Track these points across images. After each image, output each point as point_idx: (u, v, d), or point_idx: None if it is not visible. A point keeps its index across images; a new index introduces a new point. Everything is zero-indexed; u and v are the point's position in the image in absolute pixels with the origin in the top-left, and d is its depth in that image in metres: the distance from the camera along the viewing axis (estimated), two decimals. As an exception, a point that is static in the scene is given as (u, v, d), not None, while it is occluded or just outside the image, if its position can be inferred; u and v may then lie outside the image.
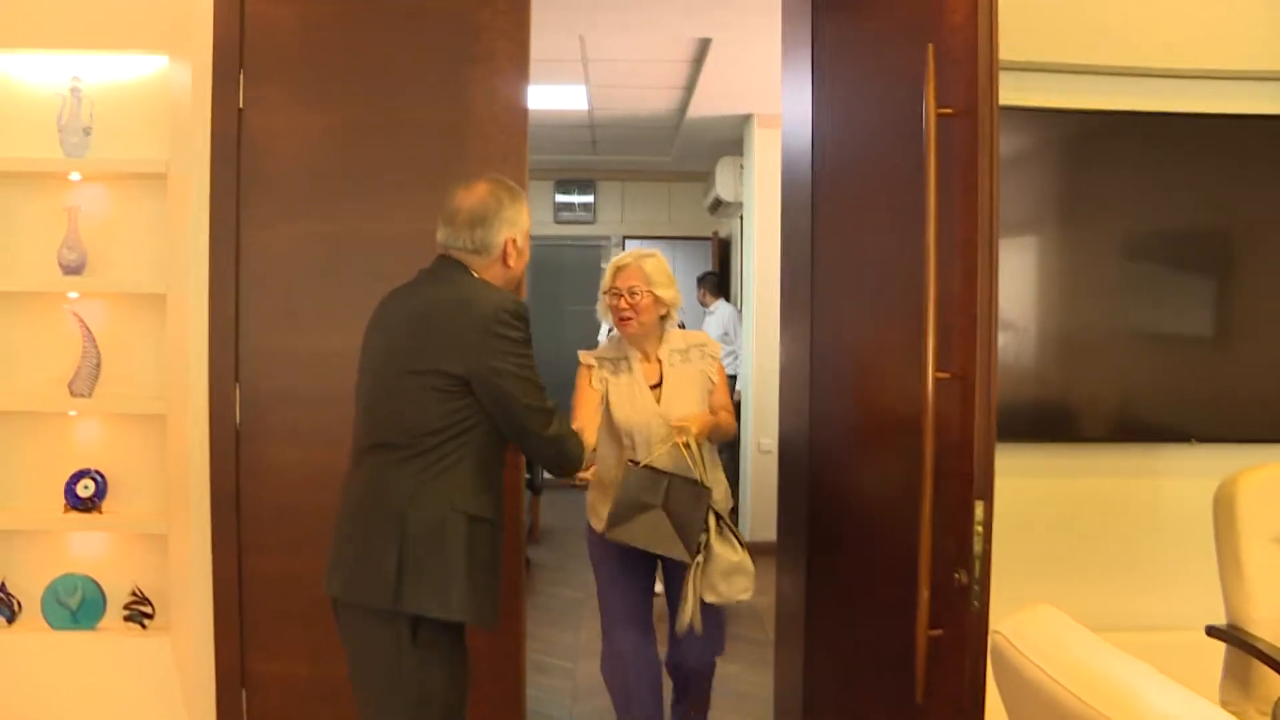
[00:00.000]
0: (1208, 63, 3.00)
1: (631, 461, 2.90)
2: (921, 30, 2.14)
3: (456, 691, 2.26)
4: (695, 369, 3.06)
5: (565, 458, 2.36)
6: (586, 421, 2.74)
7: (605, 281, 3.08)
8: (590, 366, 3.06)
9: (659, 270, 3.03)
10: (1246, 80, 3.04)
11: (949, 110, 2.03)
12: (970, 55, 1.97)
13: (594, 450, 2.78)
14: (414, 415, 2.22)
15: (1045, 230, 3.02)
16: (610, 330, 5.73)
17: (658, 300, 3.01)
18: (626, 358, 3.06)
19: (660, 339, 3.09)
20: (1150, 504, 3.06)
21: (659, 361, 3.07)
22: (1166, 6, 2.99)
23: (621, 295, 3.01)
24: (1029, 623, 1.32)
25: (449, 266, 2.31)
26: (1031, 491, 2.96)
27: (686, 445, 2.83)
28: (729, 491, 3.12)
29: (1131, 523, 3.05)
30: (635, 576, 3.04)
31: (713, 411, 3.04)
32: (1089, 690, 1.08)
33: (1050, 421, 3.03)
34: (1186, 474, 3.01)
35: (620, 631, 3.03)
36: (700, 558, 2.78)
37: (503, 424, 2.25)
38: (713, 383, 3.08)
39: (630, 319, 3.00)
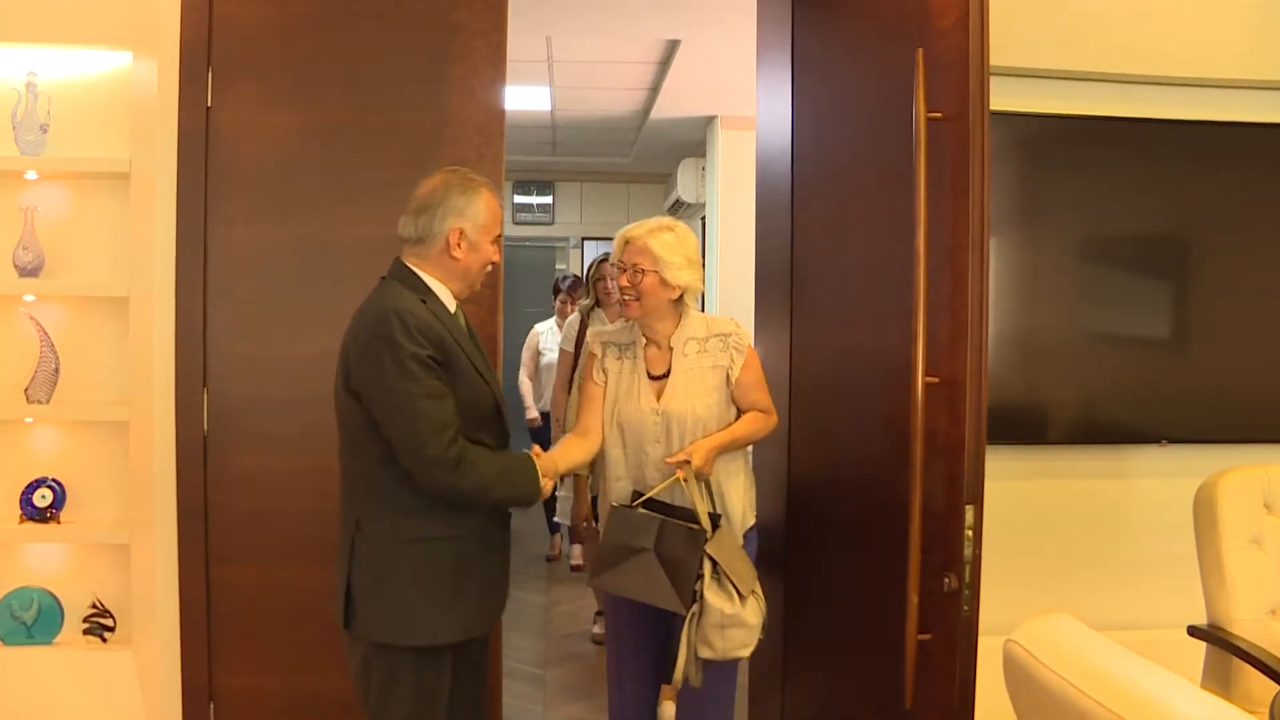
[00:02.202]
0: (1166, 69, 3.04)
1: (637, 495, 2.55)
2: (909, 34, 2.14)
3: (428, 712, 2.18)
4: (711, 364, 2.60)
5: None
6: (589, 426, 2.60)
7: (613, 253, 2.67)
8: (594, 356, 2.70)
9: (670, 249, 2.55)
10: (1205, 87, 3.09)
11: (938, 114, 2.03)
12: (961, 59, 1.98)
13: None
14: (347, 436, 2.20)
15: (1005, 233, 3.02)
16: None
17: (665, 283, 2.55)
18: (634, 343, 2.66)
19: (677, 323, 2.63)
20: (1123, 505, 3.10)
21: (670, 350, 2.62)
22: (1125, 12, 3.02)
23: (625, 271, 2.58)
24: (1045, 631, 1.31)
25: (394, 267, 2.24)
26: (1005, 494, 2.97)
27: (687, 481, 2.46)
28: (752, 505, 2.72)
29: (1105, 524, 3.09)
30: (645, 624, 2.66)
31: (741, 410, 2.63)
32: (1116, 699, 1.07)
33: (1018, 424, 3.05)
34: (1159, 475, 3.06)
35: (627, 690, 2.72)
36: (696, 608, 2.43)
37: None
38: (732, 379, 2.60)
39: (630, 302, 2.57)
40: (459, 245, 2.19)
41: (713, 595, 2.42)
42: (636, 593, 2.46)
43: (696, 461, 2.46)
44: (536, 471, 2.27)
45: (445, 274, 2.22)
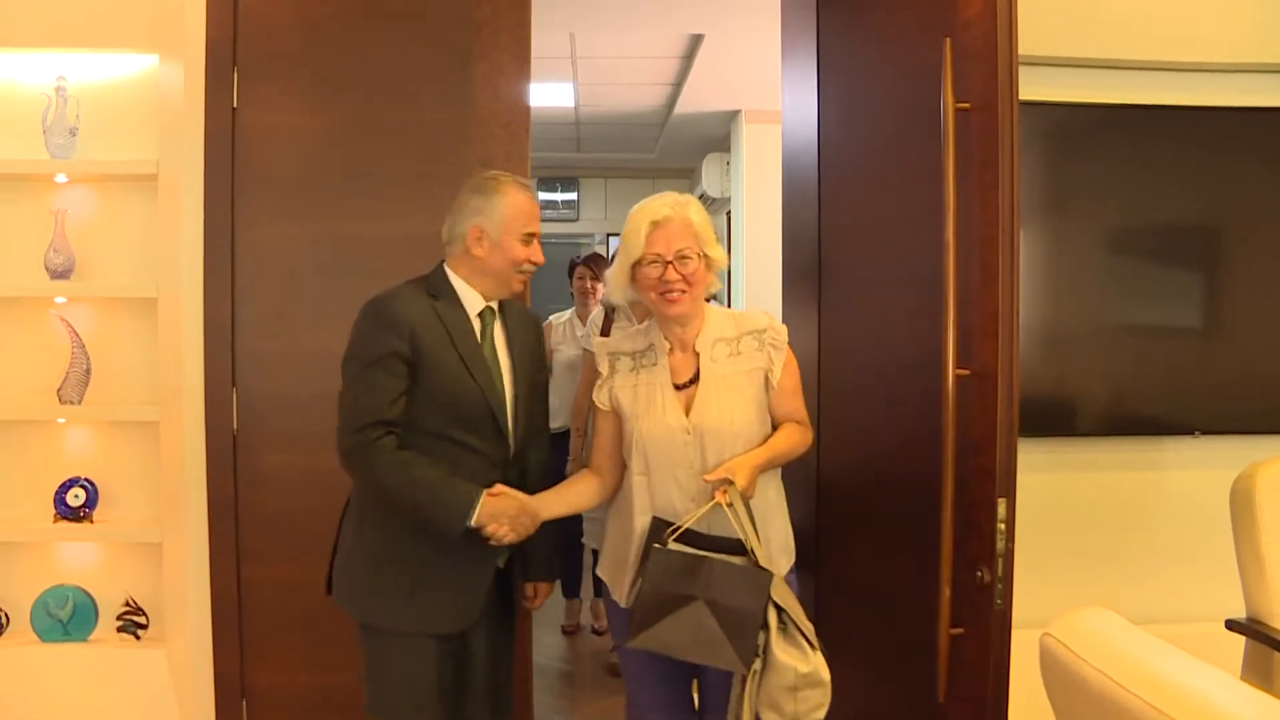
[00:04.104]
0: (1194, 55, 2.99)
1: (662, 526, 2.10)
2: (935, 24, 2.12)
3: (412, 697, 2.19)
4: (748, 366, 2.20)
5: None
6: (602, 464, 2.28)
7: (634, 246, 2.17)
8: (600, 375, 2.27)
9: (706, 222, 2.20)
10: (1233, 73, 3.03)
11: (966, 105, 2.01)
12: (989, 49, 1.96)
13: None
14: None
15: (1033, 223, 2.97)
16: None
17: (710, 264, 2.19)
18: (652, 348, 2.23)
19: (701, 321, 2.23)
20: (1156, 497, 3.06)
21: (696, 354, 2.21)
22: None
23: (668, 263, 2.14)
24: (1084, 624, 1.29)
25: (432, 269, 2.31)
26: (1036, 487, 2.93)
27: (731, 505, 2.05)
28: (791, 541, 2.29)
29: (1138, 516, 3.04)
30: (673, 669, 2.21)
31: (776, 423, 2.23)
32: (1159, 695, 1.05)
33: (1049, 416, 3.00)
34: (1192, 466, 3.02)
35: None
36: (757, 664, 2.00)
37: None
38: (773, 383, 2.21)
39: (682, 294, 2.15)
40: (479, 242, 2.20)
41: (782, 651, 2.00)
42: (684, 651, 2.04)
43: (740, 482, 2.06)
44: (468, 507, 2.08)
45: (472, 273, 2.23)
